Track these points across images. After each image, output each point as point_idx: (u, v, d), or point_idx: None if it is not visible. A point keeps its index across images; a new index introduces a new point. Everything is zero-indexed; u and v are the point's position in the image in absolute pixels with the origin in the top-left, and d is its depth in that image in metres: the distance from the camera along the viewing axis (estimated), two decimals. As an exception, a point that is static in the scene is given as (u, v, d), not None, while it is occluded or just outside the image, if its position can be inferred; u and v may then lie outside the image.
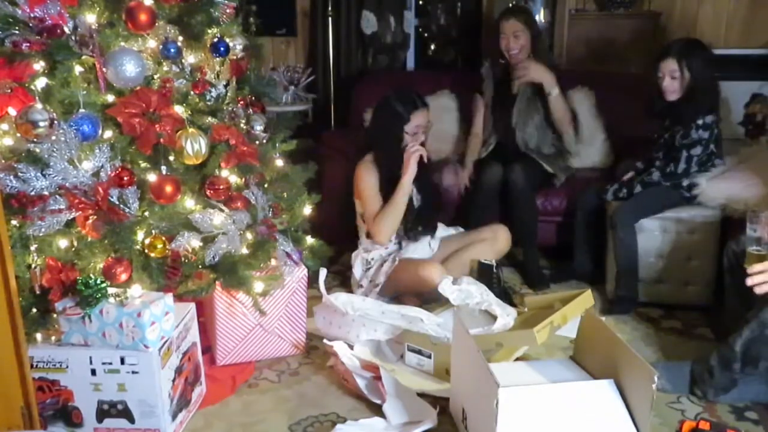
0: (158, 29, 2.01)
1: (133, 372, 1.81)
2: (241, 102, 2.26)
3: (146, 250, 1.88)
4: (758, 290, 1.93)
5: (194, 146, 1.98)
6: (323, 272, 2.38)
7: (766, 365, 1.99)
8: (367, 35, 4.48)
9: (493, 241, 2.76)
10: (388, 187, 2.68)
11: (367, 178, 2.69)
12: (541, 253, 3.16)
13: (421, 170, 2.70)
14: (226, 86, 2.21)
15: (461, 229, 2.94)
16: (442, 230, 2.91)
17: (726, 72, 3.55)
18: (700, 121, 2.67)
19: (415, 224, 2.75)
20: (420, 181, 2.74)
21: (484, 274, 2.60)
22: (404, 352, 2.31)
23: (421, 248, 2.79)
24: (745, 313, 2.05)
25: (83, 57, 1.86)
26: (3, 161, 1.78)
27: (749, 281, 1.95)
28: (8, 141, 1.80)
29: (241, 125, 2.20)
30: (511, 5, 3.71)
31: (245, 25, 2.63)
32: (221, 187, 2.07)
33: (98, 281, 1.77)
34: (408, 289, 2.60)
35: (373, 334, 2.30)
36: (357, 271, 2.77)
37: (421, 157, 2.66)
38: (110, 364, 1.81)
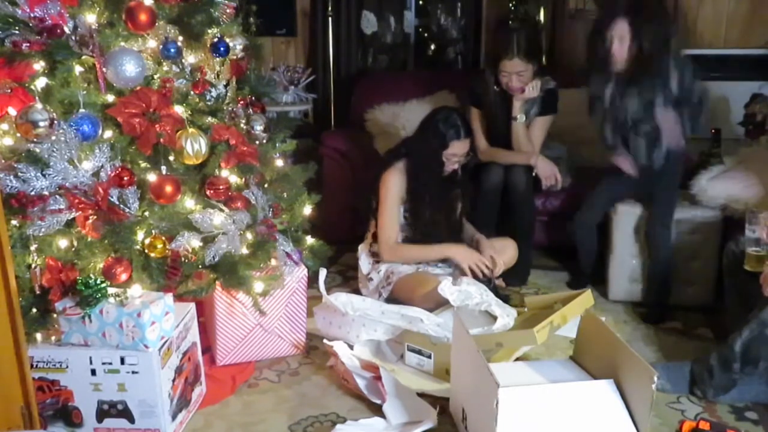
0: (158, 29, 2.01)
1: (133, 372, 1.81)
2: (241, 102, 2.26)
3: (146, 250, 1.88)
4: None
5: (194, 146, 1.98)
6: (323, 272, 2.38)
7: (765, 365, 1.99)
8: (367, 35, 4.49)
9: (501, 254, 2.74)
10: (411, 197, 2.67)
11: (392, 187, 2.66)
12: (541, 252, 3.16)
13: (452, 180, 2.69)
14: (226, 86, 2.21)
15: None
16: None
17: (726, 72, 3.57)
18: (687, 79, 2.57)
19: (435, 236, 2.70)
20: (449, 191, 2.72)
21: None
22: (404, 352, 2.31)
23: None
24: (745, 313, 2.05)
25: (83, 57, 1.86)
26: (3, 161, 1.78)
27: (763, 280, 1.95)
28: (8, 141, 1.80)
29: (241, 125, 2.20)
30: (509, 31, 3.41)
31: (245, 25, 2.62)
32: (221, 187, 2.08)
33: (98, 281, 1.77)
34: (412, 303, 2.57)
35: (373, 334, 2.30)
36: (364, 264, 2.76)
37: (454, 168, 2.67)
38: (110, 364, 1.81)
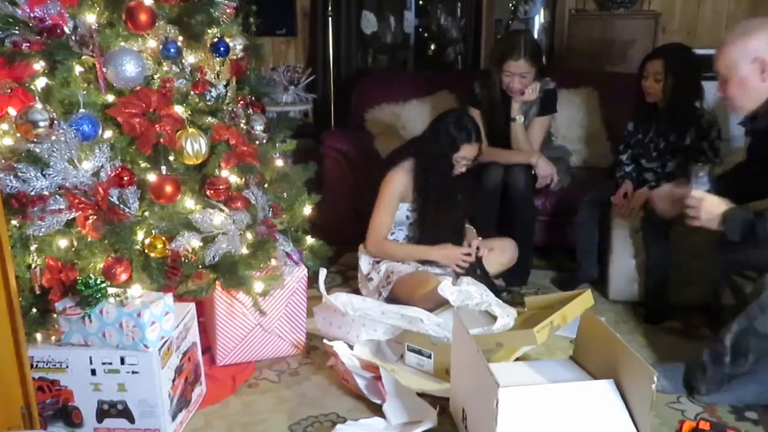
0: (158, 29, 2.01)
1: (133, 372, 1.81)
2: (241, 102, 2.26)
3: (146, 250, 1.88)
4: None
5: (194, 146, 1.98)
6: (323, 272, 2.38)
7: (754, 358, 1.99)
8: (367, 35, 4.50)
9: (501, 254, 2.74)
10: (418, 197, 2.68)
11: (395, 185, 2.67)
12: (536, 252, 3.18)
13: (458, 183, 2.70)
14: (226, 86, 2.21)
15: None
16: None
17: (726, 72, 3.56)
18: (713, 136, 2.70)
19: (438, 237, 2.71)
20: (452, 191, 2.72)
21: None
22: (404, 352, 2.31)
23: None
24: (739, 308, 2.05)
25: (83, 57, 1.86)
26: (3, 161, 1.78)
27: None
28: (8, 141, 1.80)
29: (241, 125, 2.20)
30: (515, 33, 3.43)
31: (245, 25, 2.63)
32: (221, 187, 2.08)
33: (98, 281, 1.77)
34: (412, 303, 2.57)
35: (373, 334, 2.30)
36: (364, 264, 2.76)
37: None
38: (110, 364, 1.81)
